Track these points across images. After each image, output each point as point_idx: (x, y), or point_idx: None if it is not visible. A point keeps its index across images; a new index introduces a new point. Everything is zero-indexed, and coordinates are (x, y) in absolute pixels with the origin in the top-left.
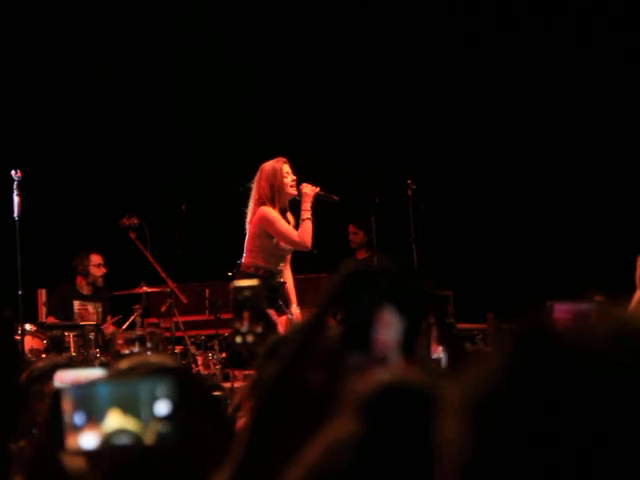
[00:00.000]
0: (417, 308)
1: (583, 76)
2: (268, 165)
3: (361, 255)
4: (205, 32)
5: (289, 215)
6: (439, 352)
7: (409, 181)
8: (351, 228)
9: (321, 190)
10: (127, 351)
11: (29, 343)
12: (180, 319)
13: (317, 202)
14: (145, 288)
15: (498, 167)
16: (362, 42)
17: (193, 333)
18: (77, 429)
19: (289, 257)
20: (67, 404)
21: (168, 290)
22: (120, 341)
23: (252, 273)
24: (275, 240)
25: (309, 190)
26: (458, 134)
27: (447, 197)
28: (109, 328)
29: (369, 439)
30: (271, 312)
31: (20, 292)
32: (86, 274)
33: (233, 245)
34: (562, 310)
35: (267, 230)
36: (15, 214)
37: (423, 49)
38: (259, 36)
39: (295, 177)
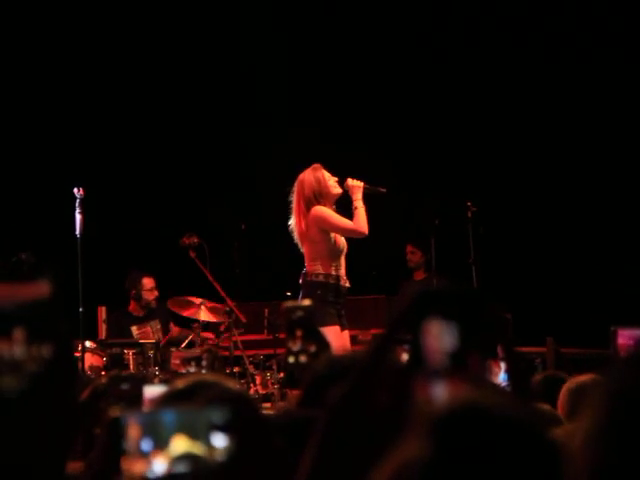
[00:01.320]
0: (472, 324)
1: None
2: (307, 175)
3: (419, 276)
4: (266, 46)
5: None
6: (499, 373)
7: (469, 203)
8: (409, 248)
9: (366, 184)
10: (184, 370)
11: (89, 360)
12: (239, 338)
13: (372, 219)
14: (205, 306)
15: (559, 190)
16: (421, 67)
17: (251, 352)
18: (145, 455)
19: None
20: (134, 431)
21: (227, 309)
22: (177, 361)
23: (321, 281)
24: (332, 239)
25: (356, 183)
26: (518, 157)
27: (507, 219)
28: (174, 330)
29: (439, 461)
30: (336, 328)
31: (81, 309)
32: (139, 299)
33: (292, 265)
34: (625, 335)
35: (323, 227)
36: (77, 231)
37: (482, 73)
38: (328, 53)
39: (337, 178)
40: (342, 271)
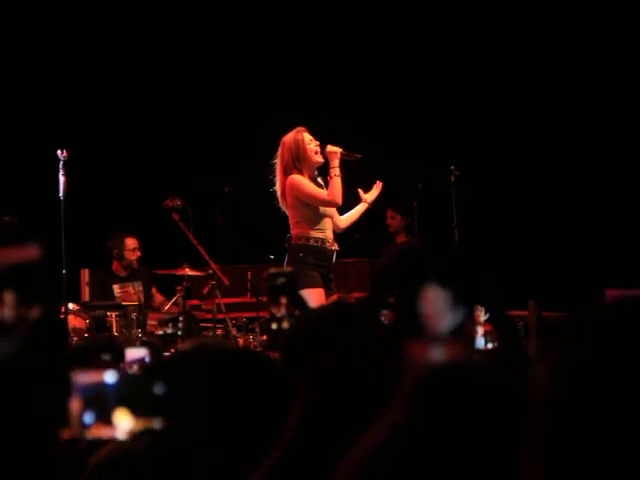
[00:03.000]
0: (466, 288)
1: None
2: (288, 137)
3: (400, 239)
4: (252, 21)
5: (320, 181)
6: (483, 336)
7: (452, 167)
8: (389, 212)
9: (344, 150)
10: (160, 332)
11: (72, 322)
12: (222, 301)
13: (356, 183)
14: (187, 270)
15: (542, 153)
16: (407, 33)
17: (234, 315)
18: (86, 428)
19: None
20: (76, 404)
21: (210, 272)
22: (153, 322)
23: (303, 244)
24: (313, 205)
25: (334, 149)
26: (501, 120)
27: (490, 183)
28: (157, 297)
29: (424, 426)
30: (319, 291)
31: (64, 271)
32: (121, 258)
33: (276, 228)
34: (614, 297)
35: (299, 197)
36: (60, 193)
37: (464, 39)
38: (306, 24)
39: (318, 142)
40: (327, 234)
